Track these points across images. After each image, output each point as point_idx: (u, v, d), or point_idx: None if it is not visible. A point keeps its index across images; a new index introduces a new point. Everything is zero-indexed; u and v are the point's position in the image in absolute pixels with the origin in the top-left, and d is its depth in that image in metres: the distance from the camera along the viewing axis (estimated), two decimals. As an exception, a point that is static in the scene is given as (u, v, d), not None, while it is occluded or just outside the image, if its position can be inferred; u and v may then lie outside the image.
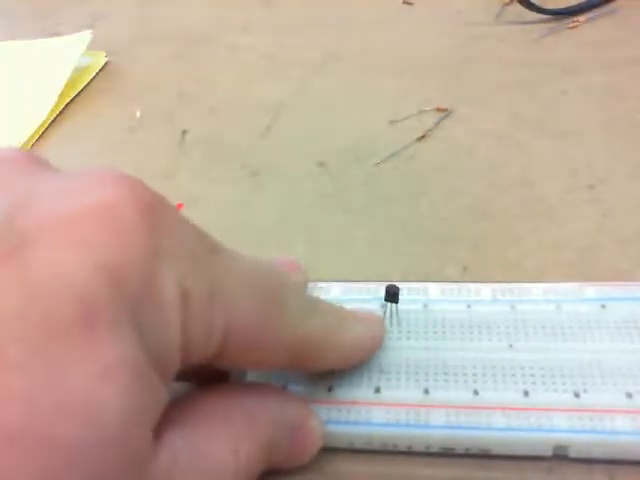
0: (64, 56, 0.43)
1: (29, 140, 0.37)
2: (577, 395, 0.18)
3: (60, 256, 0.12)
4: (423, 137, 0.33)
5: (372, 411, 0.19)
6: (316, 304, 0.18)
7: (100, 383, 0.11)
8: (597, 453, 0.18)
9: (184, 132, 0.36)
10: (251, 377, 0.20)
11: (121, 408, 0.12)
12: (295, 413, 0.18)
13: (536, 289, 0.22)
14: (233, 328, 0.15)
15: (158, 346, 0.13)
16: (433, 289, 0.23)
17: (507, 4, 0.43)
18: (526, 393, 0.19)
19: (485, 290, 0.22)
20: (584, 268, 0.24)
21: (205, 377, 0.19)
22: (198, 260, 0.14)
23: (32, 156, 0.16)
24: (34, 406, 0.11)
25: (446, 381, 0.19)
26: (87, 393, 0.11)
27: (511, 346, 0.20)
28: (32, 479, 0.11)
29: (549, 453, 0.18)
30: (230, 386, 0.19)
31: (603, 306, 0.21)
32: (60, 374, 0.11)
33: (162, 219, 0.14)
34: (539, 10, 0.41)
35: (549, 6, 0.41)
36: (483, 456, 0.18)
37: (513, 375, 0.19)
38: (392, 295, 0.21)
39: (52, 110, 0.39)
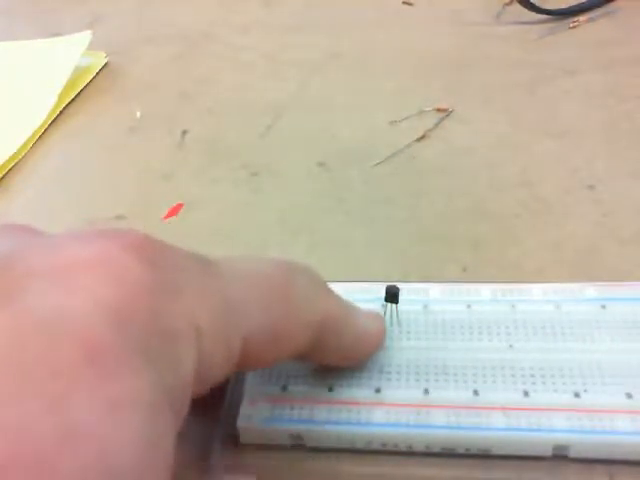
0: (64, 56, 0.43)
1: (29, 140, 0.37)
2: (577, 395, 0.18)
3: (57, 299, 0.12)
4: (423, 137, 0.33)
5: (372, 411, 0.19)
6: (328, 288, 0.18)
7: (109, 416, 0.11)
8: (597, 453, 0.18)
9: (184, 132, 0.36)
10: (249, 384, 0.20)
11: (134, 441, 0.11)
12: None
13: (536, 289, 0.22)
14: (252, 335, 0.15)
15: (173, 381, 0.13)
16: (433, 289, 0.22)
17: (507, 4, 0.43)
18: (526, 393, 0.19)
19: (485, 290, 0.22)
20: (584, 268, 0.24)
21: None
22: (202, 282, 0.14)
23: (18, 224, 0.16)
24: (28, 433, 0.10)
25: (446, 381, 0.19)
26: (94, 425, 0.11)
27: (511, 346, 0.20)
28: None
29: (549, 453, 0.18)
30: None
31: (603, 306, 0.21)
32: (60, 406, 0.10)
33: (156, 252, 0.14)
34: (539, 10, 0.41)
35: (549, 6, 0.41)
36: (483, 456, 0.18)
37: (513, 375, 0.19)
38: (392, 295, 0.21)
39: (52, 110, 0.39)
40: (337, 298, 0.18)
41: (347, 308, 0.19)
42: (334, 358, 0.19)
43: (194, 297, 0.14)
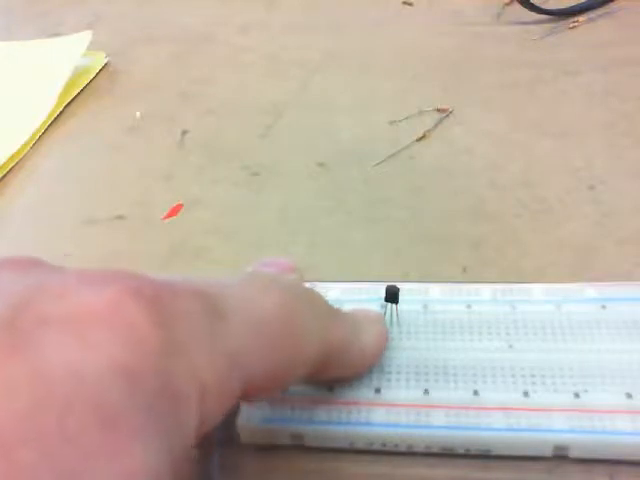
0: (64, 56, 0.43)
1: (29, 141, 0.37)
2: (577, 395, 0.18)
3: (72, 355, 0.11)
4: (423, 137, 0.33)
5: (372, 411, 0.19)
6: (332, 310, 0.18)
7: None
8: (597, 453, 0.18)
9: (184, 132, 0.36)
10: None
11: None
12: None
13: (536, 289, 0.22)
14: (254, 380, 0.15)
15: (177, 444, 0.13)
16: (433, 289, 0.22)
17: (507, 4, 0.43)
18: (526, 393, 0.19)
19: (485, 290, 0.22)
20: (584, 268, 0.24)
21: None
22: (208, 337, 0.14)
23: (28, 257, 0.15)
24: None
25: (446, 381, 0.19)
26: None
27: (511, 346, 0.20)
28: None
29: (549, 453, 0.18)
30: None
31: (603, 306, 0.21)
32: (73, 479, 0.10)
33: (167, 308, 0.13)
34: (539, 10, 0.41)
35: (549, 6, 0.41)
36: (483, 456, 0.18)
37: (513, 375, 0.19)
38: (392, 295, 0.21)
39: (52, 110, 0.39)
40: (340, 321, 0.18)
41: (350, 329, 0.19)
42: (336, 377, 0.19)
43: (200, 355, 0.14)
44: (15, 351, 0.11)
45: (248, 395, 0.15)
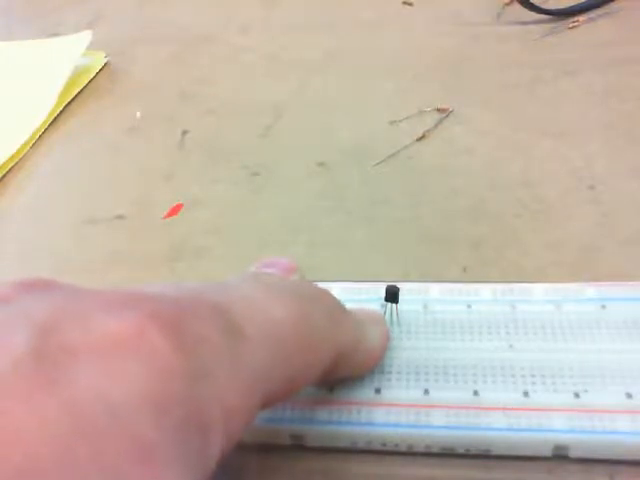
0: (64, 56, 0.43)
1: (29, 140, 0.37)
2: (577, 395, 0.18)
3: (101, 386, 0.12)
4: (423, 137, 0.33)
5: (373, 411, 0.19)
6: (341, 308, 0.18)
7: None
8: (597, 453, 0.18)
9: (184, 132, 0.36)
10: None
11: None
12: None
13: (536, 289, 0.22)
14: (271, 392, 0.15)
15: (203, 468, 0.13)
16: (433, 289, 0.23)
17: (507, 4, 0.43)
18: (526, 393, 0.19)
19: (485, 290, 0.22)
20: (584, 268, 0.24)
21: None
22: (230, 359, 0.14)
23: (40, 279, 0.15)
24: None
25: (446, 381, 0.19)
26: None
27: (511, 346, 0.20)
28: None
29: (549, 453, 0.18)
30: None
31: (603, 306, 0.21)
32: None
33: (188, 332, 0.13)
34: (539, 10, 0.41)
35: (549, 6, 0.41)
36: (483, 456, 0.18)
37: (513, 375, 0.19)
38: (392, 295, 0.21)
39: (52, 110, 0.39)
40: (349, 320, 0.18)
41: (356, 328, 0.19)
42: (342, 377, 0.19)
43: (223, 378, 0.14)
44: (46, 382, 0.11)
45: (265, 404, 0.15)
